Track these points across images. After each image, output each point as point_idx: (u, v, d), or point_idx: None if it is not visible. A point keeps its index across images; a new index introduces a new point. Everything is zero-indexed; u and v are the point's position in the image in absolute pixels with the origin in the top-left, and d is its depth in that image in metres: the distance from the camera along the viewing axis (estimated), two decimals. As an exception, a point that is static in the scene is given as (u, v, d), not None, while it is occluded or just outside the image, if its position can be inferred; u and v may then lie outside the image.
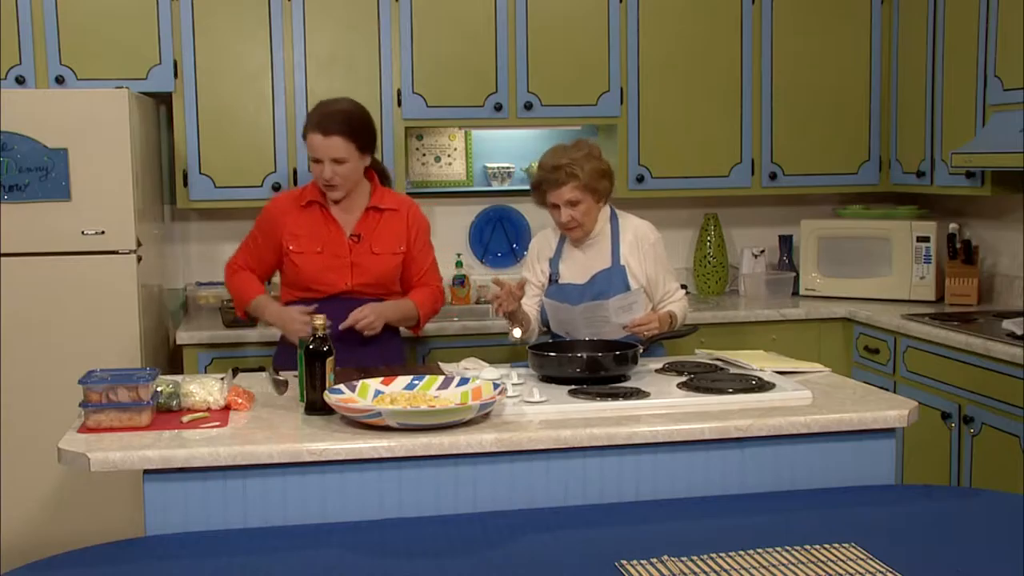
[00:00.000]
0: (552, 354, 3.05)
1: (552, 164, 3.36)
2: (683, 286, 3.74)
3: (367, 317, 3.28)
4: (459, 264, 4.87)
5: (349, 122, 3.30)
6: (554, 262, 3.49)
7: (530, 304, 3.51)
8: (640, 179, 4.68)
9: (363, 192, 3.44)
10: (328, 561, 2.19)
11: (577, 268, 3.46)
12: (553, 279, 3.48)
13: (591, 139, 3.50)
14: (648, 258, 3.43)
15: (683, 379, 3.01)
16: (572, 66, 4.61)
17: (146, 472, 2.44)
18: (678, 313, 3.46)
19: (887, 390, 3.70)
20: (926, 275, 4.64)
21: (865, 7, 4.82)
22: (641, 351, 3.12)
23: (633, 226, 3.47)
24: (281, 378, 3.02)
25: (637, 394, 2.82)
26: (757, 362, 3.19)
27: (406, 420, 2.53)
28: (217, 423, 2.63)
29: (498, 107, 4.56)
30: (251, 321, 3.83)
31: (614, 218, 3.48)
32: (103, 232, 3.92)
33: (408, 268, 3.48)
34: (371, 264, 3.39)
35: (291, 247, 3.37)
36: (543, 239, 3.56)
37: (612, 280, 3.40)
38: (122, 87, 3.97)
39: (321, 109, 3.36)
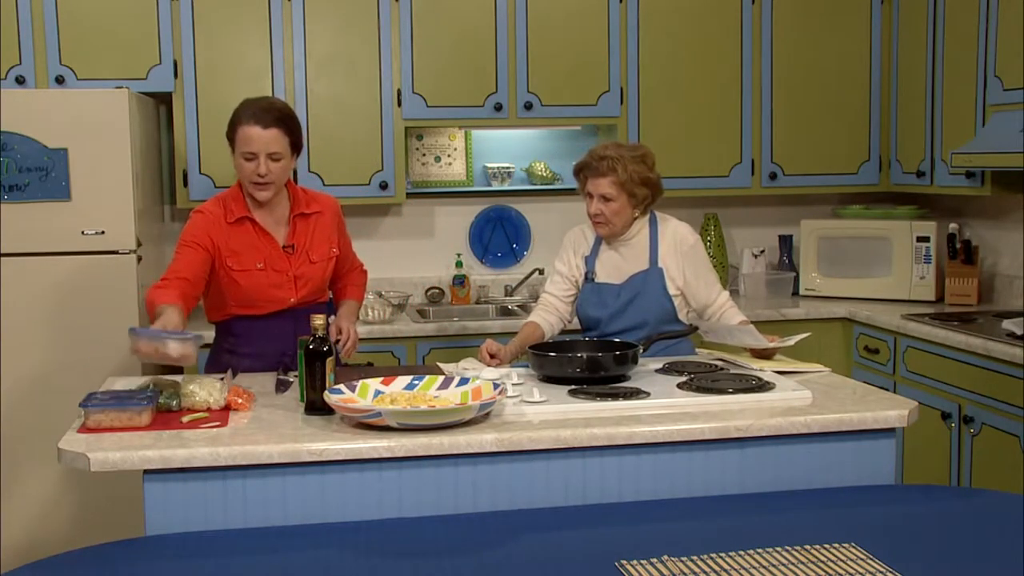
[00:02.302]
0: (552, 354, 3.05)
1: (600, 153, 3.36)
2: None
3: (351, 338, 3.22)
4: (459, 264, 4.87)
5: (286, 118, 3.14)
6: (590, 260, 3.49)
7: (556, 297, 3.52)
8: (640, 179, 4.68)
9: (284, 198, 3.27)
10: (328, 561, 2.19)
11: (613, 268, 3.46)
12: (589, 277, 3.48)
13: (645, 146, 3.47)
14: (687, 261, 3.42)
15: (683, 379, 3.01)
16: (572, 66, 4.61)
17: (146, 472, 2.44)
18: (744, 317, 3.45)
19: (887, 390, 3.70)
20: (926, 275, 4.64)
21: (865, 7, 4.82)
22: (641, 351, 3.12)
23: (672, 229, 3.46)
24: (289, 379, 3.02)
25: (637, 394, 2.82)
26: (757, 362, 3.19)
27: (406, 420, 2.53)
28: (217, 423, 2.63)
29: (498, 107, 4.56)
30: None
31: (653, 220, 3.47)
32: (103, 232, 3.92)
33: (338, 261, 3.38)
34: (312, 273, 3.27)
35: (232, 265, 3.18)
36: (579, 234, 3.55)
37: (649, 282, 3.40)
38: (122, 87, 3.97)
39: (255, 104, 3.17)
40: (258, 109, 3.12)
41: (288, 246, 3.25)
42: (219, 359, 3.34)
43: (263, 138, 3.09)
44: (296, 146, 3.19)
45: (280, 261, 3.23)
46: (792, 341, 3.26)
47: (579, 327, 3.59)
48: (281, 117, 3.13)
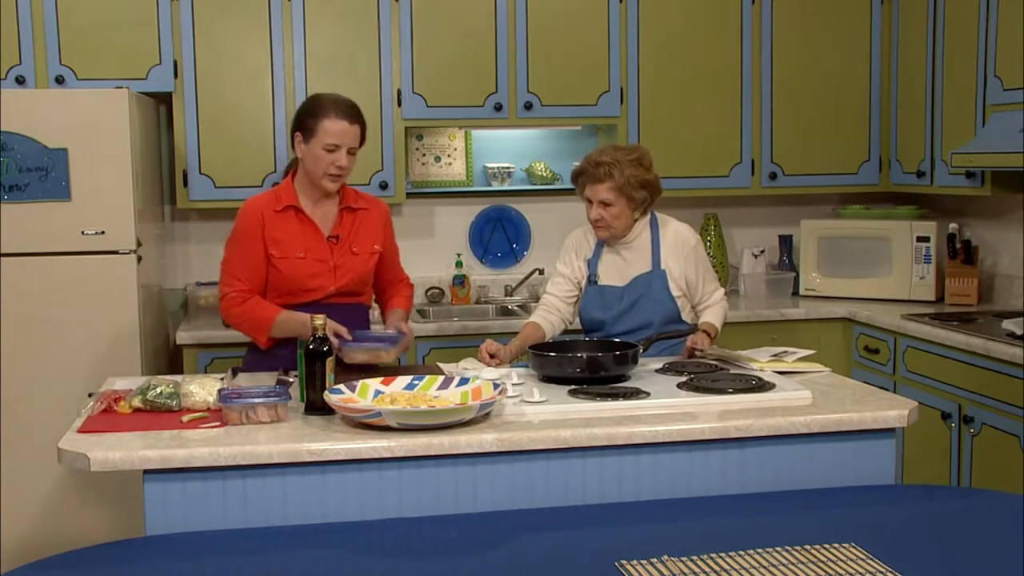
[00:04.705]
0: (552, 354, 3.05)
1: (596, 159, 3.37)
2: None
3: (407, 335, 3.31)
4: (459, 264, 4.87)
5: (363, 117, 3.32)
6: (592, 263, 3.50)
7: (558, 297, 3.52)
8: (640, 179, 4.68)
9: (335, 193, 3.37)
10: (328, 561, 2.19)
11: (615, 270, 3.46)
12: (592, 280, 3.48)
13: (642, 147, 3.48)
14: (689, 262, 3.43)
15: (683, 379, 3.01)
16: (572, 66, 4.61)
17: (146, 472, 2.44)
18: (715, 321, 3.44)
19: (887, 390, 3.70)
20: (926, 275, 4.64)
21: (865, 7, 4.82)
22: (641, 351, 3.12)
23: (673, 230, 3.47)
24: (289, 379, 3.02)
25: (637, 394, 2.82)
26: (757, 362, 3.19)
27: (406, 420, 2.53)
28: (217, 423, 2.63)
29: (498, 107, 4.56)
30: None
31: (654, 222, 3.48)
32: (103, 232, 3.92)
33: (381, 264, 3.44)
34: (352, 264, 3.33)
35: (274, 252, 3.26)
36: (581, 236, 3.55)
37: (652, 284, 3.41)
38: (122, 87, 3.97)
39: (338, 99, 3.30)
40: (344, 105, 3.27)
41: (333, 236, 3.33)
42: (256, 348, 3.36)
43: (349, 133, 3.24)
44: (362, 143, 3.34)
45: (322, 251, 3.30)
46: (792, 359, 3.26)
47: (580, 327, 3.59)
48: (362, 116, 3.31)
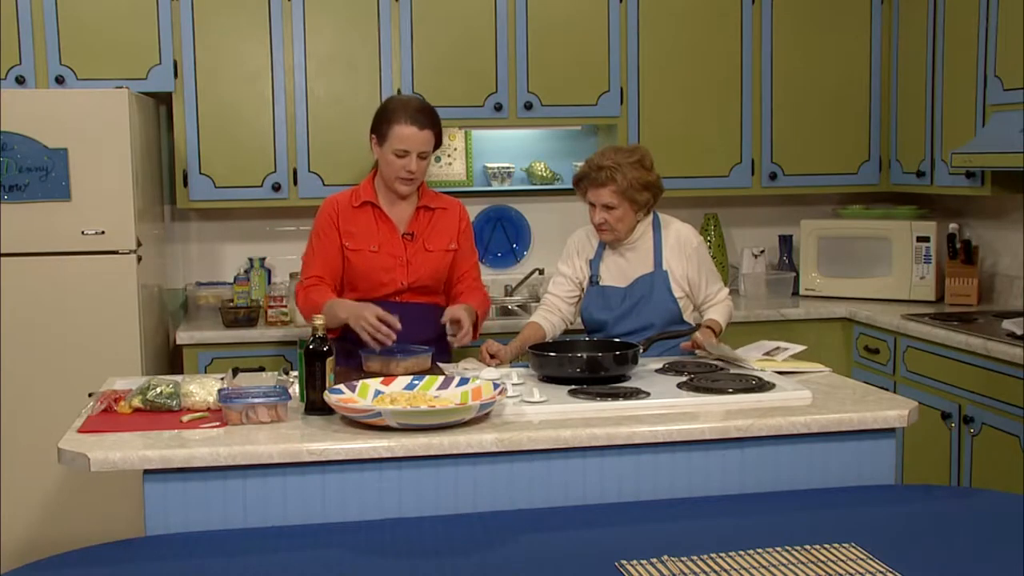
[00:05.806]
0: (552, 354, 3.05)
1: (597, 163, 3.37)
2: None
3: (465, 330, 3.25)
4: (459, 264, 4.86)
5: (437, 120, 3.34)
6: (594, 264, 3.50)
7: (559, 298, 3.53)
8: (640, 179, 4.68)
9: (413, 193, 3.42)
10: (328, 561, 2.19)
11: (618, 271, 3.47)
12: (593, 280, 3.49)
13: (641, 147, 3.48)
14: (691, 262, 3.44)
15: (683, 379, 3.01)
16: (572, 66, 4.61)
17: (146, 472, 2.44)
18: (720, 319, 3.45)
19: (887, 390, 3.70)
20: (926, 275, 4.64)
21: (865, 7, 4.82)
22: (641, 351, 3.12)
23: (675, 230, 3.47)
24: (289, 379, 3.02)
25: (637, 394, 2.82)
26: (757, 362, 3.19)
27: (406, 420, 2.53)
28: (217, 423, 2.63)
29: (498, 107, 4.56)
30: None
31: (656, 222, 3.48)
32: (103, 232, 3.92)
33: (455, 266, 3.47)
34: (425, 261, 3.38)
35: (348, 244, 3.36)
36: (583, 237, 3.56)
37: (654, 285, 3.42)
38: (122, 87, 3.97)
39: (409, 103, 3.33)
40: (414, 110, 3.30)
41: (407, 234, 3.38)
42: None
43: (418, 138, 3.28)
44: (438, 144, 3.36)
45: (396, 246, 3.36)
46: (783, 356, 3.27)
47: (581, 328, 3.59)
48: (434, 120, 3.33)
